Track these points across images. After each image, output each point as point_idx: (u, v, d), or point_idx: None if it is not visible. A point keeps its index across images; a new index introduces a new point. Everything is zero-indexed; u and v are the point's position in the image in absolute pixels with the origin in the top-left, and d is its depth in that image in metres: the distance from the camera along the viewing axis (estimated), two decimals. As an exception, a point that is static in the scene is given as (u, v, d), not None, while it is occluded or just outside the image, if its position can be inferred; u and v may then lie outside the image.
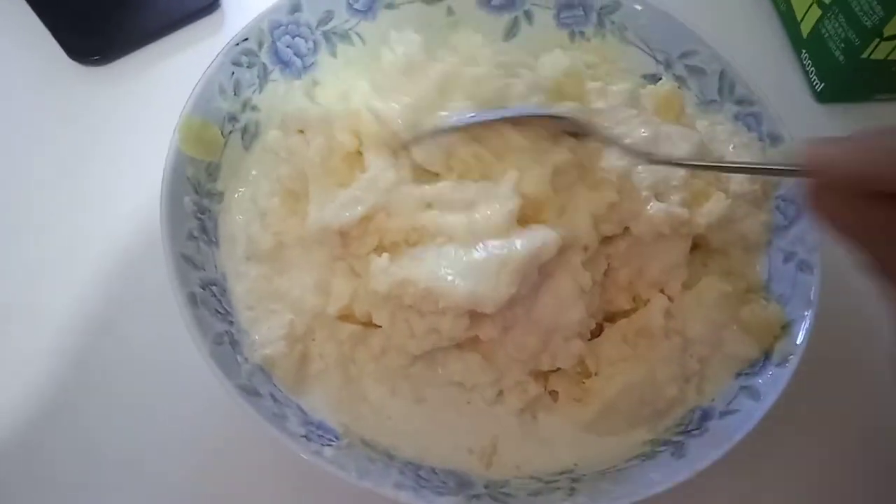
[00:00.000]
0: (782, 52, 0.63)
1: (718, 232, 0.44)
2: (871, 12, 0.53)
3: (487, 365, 0.41)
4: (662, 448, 0.41)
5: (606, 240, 0.42)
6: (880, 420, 0.48)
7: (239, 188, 0.46)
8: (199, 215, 0.43)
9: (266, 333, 0.41)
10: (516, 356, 0.41)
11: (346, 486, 0.36)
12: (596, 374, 0.42)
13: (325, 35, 0.50)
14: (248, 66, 0.47)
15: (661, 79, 0.51)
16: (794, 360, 0.41)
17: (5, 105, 0.54)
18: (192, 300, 0.39)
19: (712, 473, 0.38)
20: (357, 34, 0.50)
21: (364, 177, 0.41)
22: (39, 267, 0.48)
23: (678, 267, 0.44)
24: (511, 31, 0.53)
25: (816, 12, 0.59)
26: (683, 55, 0.51)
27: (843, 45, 0.56)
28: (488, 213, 0.39)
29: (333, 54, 0.50)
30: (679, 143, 0.44)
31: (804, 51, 0.61)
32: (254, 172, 0.46)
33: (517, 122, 0.40)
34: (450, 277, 0.37)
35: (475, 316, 0.39)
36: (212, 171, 0.45)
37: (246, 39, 0.47)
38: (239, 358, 0.40)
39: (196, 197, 0.43)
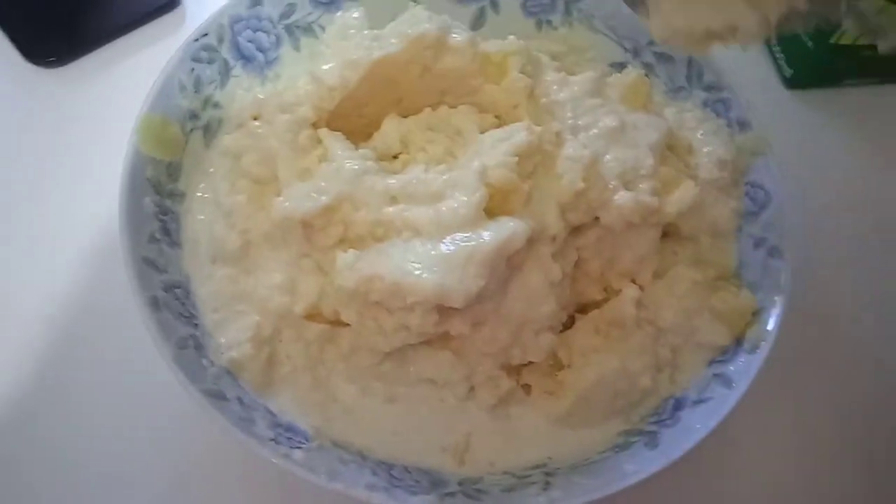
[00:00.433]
0: (751, 39, 0.63)
1: (688, 219, 0.44)
2: (837, -4, 0.53)
3: (458, 361, 0.41)
4: (636, 439, 0.40)
5: (576, 231, 0.42)
6: (854, 405, 0.48)
7: (201, 187, 0.45)
8: (160, 216, 0.42)
9: (232, 336, 0.41)
10: (486, 351, 0.40)
11: (320, 490, 0.36)
12: (569, 367, 0.42)
13: (288, 28, 0.49)
14: (208, 62, 0.46)
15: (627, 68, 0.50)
16: (765, 347, 0.41)
17: (-39, 110, 0.53)
18: (154, 304, 0.39)
19: (685, 462, 0.37)
20: (320, 26, 0.49)
21: (327, 167, 0.40)
22: (3, 269, 0.47)
23: (649, 256, 0.43)
24: (478, 21, 0.52)
25: (783, -2, 0.59)
26: (651, 42, 0.50)
27: (811, 31, 0.56)
28: (454, 205, 0.38)
29: (297, 48, 0.49)
30: (646, 131, 0.44)
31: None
32: (215, 171, 0.45)
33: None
34: (417, 271, 0.37)
35: (444, 311, 0.38)
36: (172, 170, 0.44)
37: (206, 35, 0.46)
38: (204, 362, 0.39)
39: (157, 198, 0.42)
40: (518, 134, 0.41)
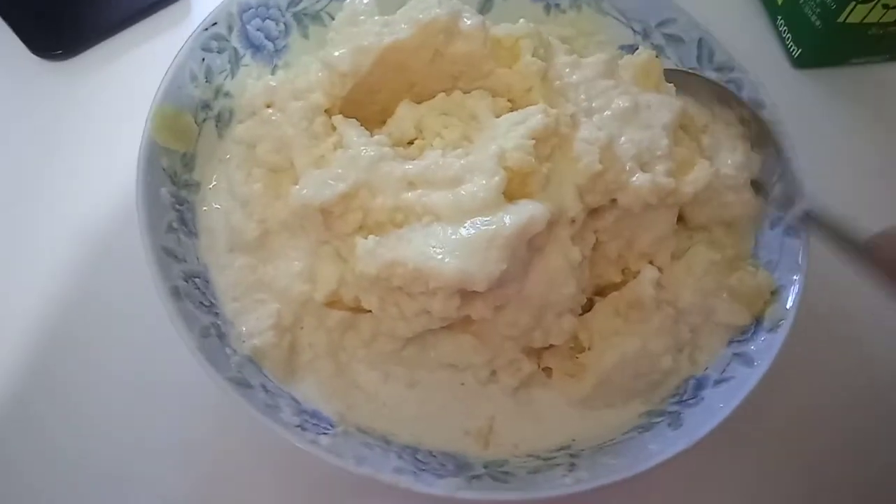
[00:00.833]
0: (757, 19, 0.63)
1: (703, 208, 0.44)
2: (846, -25, 0.53)
3: (480, 345, 0.41)
4: (659, 419, 0.41)
5: (594, 213, 0.42)
6: (876, 379, 0.48)
7: (215, 177, 0.45)
8: (177, 206, 0.42)
9: (254, 324, 0.41)
10: (508, 334, 0.40)
11: (345, 475, 0.36)
12: (589, 349, 0.42)
13: (296, 16, 0.49)
14: (218, 52, 0.46)
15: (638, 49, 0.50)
16: (785, 325, 0.41)
17: (-31, 105, 0.52)
18: (176, 293, 0.38)
19: (708, 443, 0.38)
20: (329, 14, 0.49)
21: (343, 154, 0.40)
22: (9, 266, 0.47)
23: (666, 237, 0.43)
24: (486, 5, 0.52)
25: (791, -22, 0.59)
26: (661, 24, 0.50)
27: (819, 10, 0.56)
28: (474, 189, 0.38)
29: (306, 36, 0.49)
30: (659, 111, 0.44)
31: (780, 17, 0.61)
32: (229, 160, 0.45)
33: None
34: (439, 256, 0.37)
35: (466, 295, 0.38)
36: (187, 160, 0.44)
37: (215, 24, 0.46)
38: (227, 350, 0.39)
39: (173, 188, 0.42)
40: (534, 117, 0.41)
